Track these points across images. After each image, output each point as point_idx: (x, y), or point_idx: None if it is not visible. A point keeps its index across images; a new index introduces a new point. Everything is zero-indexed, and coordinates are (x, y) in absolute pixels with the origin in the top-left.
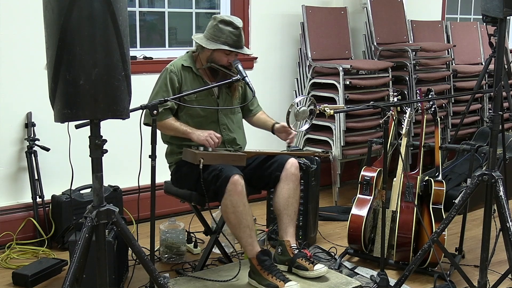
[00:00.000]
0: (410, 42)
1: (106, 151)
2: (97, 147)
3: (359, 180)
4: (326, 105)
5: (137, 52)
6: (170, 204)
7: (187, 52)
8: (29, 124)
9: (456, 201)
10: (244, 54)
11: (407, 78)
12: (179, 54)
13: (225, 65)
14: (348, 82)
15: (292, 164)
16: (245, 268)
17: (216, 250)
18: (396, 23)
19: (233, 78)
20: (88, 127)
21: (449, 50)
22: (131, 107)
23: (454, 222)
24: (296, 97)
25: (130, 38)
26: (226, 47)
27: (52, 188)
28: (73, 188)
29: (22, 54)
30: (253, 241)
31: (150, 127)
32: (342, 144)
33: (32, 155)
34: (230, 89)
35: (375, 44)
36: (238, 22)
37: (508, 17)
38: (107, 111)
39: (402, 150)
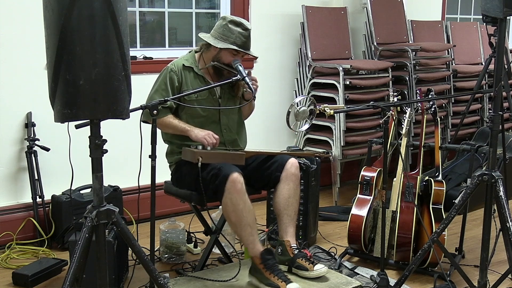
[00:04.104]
0: (410, 42)
1: (106, 151)
2: (97, 147)
3: (359, 180)
4: (326, 105)
5: (137, 52)
6: (170, 204)
7: (190, 52)
8: (29, 124)
9: (456, 201)
10: (250, 56)
11: (407, 78)
12: (179, 54)
13: (230, 64)
14: (348, 82)
15: (292, 164)
16: (245, 268)
17: (216, 250)
18: (396, 23)
19: (233, 78)
20: (88, 127)
21: (449, 50)
22: (131, 107)
23: (454, 222)
24: (296, 97)
25: (130, 38)
26: (235, 47)
27: (52, 188)
28: (73, 188)
29: (22, 54)
30: (254, 239)
31: (150, 126)
32: (342, 144)
33: (32, 155)
34: (233, 89)
35: (375, 44)
36: (248, 24)
37: (508, 17)
38: (107, 111)
39: (402, 150)
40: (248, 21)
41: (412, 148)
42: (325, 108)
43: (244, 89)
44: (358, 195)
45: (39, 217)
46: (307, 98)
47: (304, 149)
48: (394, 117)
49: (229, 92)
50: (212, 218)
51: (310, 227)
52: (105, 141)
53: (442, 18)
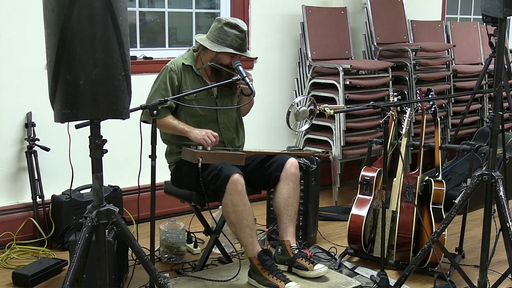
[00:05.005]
0: (410, 42)
1: (106, 151)
2: (97, 147)
3: (359, 180)
4: (326, 105)
5: (137, 52)
6: (170, 204)
7: (188, 50)
8: (29, 124)
9: (456, 201)
10: (248, 57)
11: (407, 78)
12: (179, 54)
13: (227, 65)
14: (348, 82)
15: (292, 164)
16: (245, 268)
17: (216, 250)
18: (396, 23)
19: (233, 78)
20: (88, 127)
21: (449, 50)
22: (131, 107)
23: (454, 222)
24: (296, 97)
25: (130, 38)
26: (232, 50)
27: (52, 188)
28: (73, 188)
29: (22, 54)
30: (253, 240)
31: (150, 126)
32: (342, 144)
33: (32, 155)
34: (230, 88)
35: (375, 44)
36: (243, 25)
37: (508, 17)
38: (107, 111)
39: (402, 150)
40: (248, 21)
41: (412, 148)
42: (325, 108)
43: (238, 86)
44: (358, 195)
45: (39, 217)
46: (307, 98)
47: (304, 149)
48: (394, 117)
49: (226, 91)
50: (213, 216)
51: (310, 227)
52: (105, 141)
53: (442, 18)
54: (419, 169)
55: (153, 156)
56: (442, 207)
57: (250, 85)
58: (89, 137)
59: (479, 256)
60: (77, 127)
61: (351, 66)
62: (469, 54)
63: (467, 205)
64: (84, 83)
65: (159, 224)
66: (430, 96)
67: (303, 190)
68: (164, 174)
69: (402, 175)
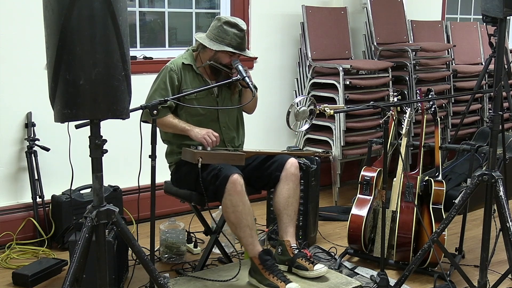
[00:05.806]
0: (410, 42)
1: (106, 151)
2: (97, 147)
3: (359, 180)
4: (326, 105)
5: (137, 52)
6: (170, 204)
7: (187, 50)
8: (29, 124)
9: (456, 201)
10: (247, 56)
11: (407, 78)
12: (178, 54)
13: (226, 64)
14: (348, 82)
15: (292, 164)
16: (245, 268)
17: (216, 250)
18: (396, 23)
19: (234, 78)
20: (88, 127)
21: (449, 50)
22: (131, 107)
23: (454, 222)
24: (296, 97)
25: (130, 38)
26: (231, 49)
27: (52, 188)
28: (73, 188)
29: (22, 54)
30: (254, 240)
31: (150, 125)
32: (342, 144)
33: (32, 155)
34: (230, 88)
35: (375, 44)
36: (243, 24)
37: (508, 17)
38: (107, 111)
39: (402, 150)
40: (248, 21)
41: (412, 148)
42: (325, 108)
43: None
44: (358, 195)
45: (39, 217)
46: (307, 98)
47: (304, 149)
48: (394, 117)
49: (225, 91)
50: (213, 216)
51: (310, 227)
52: (105, 141)
53: (442, 18)
54: (419, 169)
55: (153, 156)
56: (442, 207)
57: (250, 85)
58: (89, 137)
59: (479, 256)
60: (77, 127)
61: (351, 66)
62: (469, 54)
63: (467, 205)
64: (84, 83)
65: (159, 224)
66: (430, 96)
67: (303, 190)
68: (164, 174)
69: (402, 175)
